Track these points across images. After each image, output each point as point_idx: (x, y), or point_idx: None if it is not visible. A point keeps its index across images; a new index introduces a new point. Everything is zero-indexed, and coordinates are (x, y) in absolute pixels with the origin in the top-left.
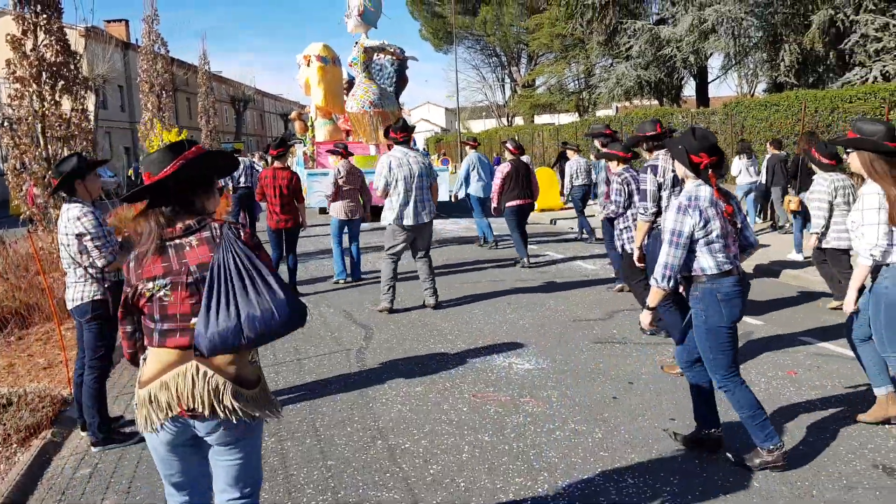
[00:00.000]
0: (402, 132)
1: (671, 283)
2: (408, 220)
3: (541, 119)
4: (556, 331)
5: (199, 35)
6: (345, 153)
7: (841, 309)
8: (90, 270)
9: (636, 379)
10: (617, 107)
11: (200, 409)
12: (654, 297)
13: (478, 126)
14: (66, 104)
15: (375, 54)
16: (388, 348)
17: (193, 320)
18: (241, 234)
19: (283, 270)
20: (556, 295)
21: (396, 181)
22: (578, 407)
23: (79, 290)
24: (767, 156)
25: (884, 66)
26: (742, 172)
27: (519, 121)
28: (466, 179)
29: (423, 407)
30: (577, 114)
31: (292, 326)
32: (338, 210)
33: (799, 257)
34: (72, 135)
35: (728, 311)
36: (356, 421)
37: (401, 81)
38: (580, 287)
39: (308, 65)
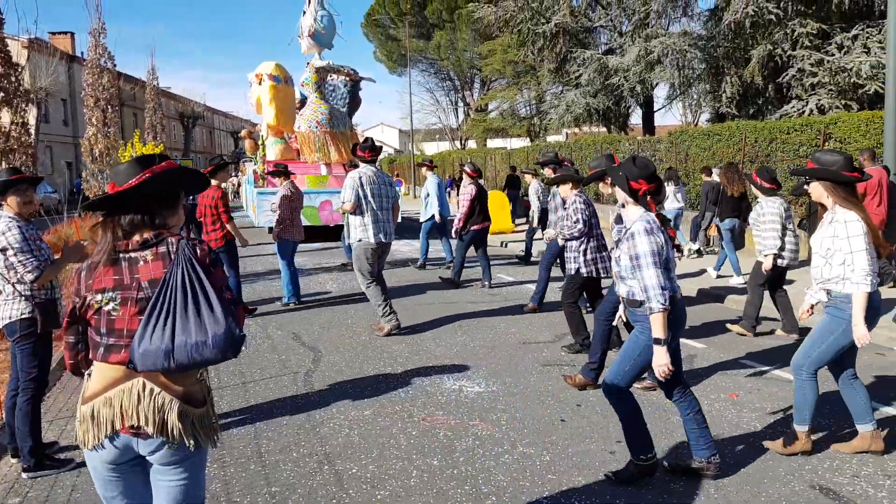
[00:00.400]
0: (370, 151)
1: (668, 304)
2: (380, 237)
3: (493, 143)
4: (506, 353)
5: (148, 49)
6: (286, 173)
7: (782, 335)
8: (18, 287)
9: (584, 401)
10: (567, 133)
11: (145, 427)
12: (660, 325)
13: (431, 148)
14: (6, 117)
15: (329, 75)
16: (337, 371)
17: None
18: (198, 251)
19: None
20: (507, 318)
21: (368, 198)
22: (527, 430)
23: (7, 309)
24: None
25: (819, 100)
26: (669, 198)
27: (472, 144)
28: (440, 200)
29: (371, 431)
30: (528, 139)
31: (223, 358)
32: (291, 231)
33: (740, 280)
34: (10, 148)
35: (674, 333)
36: (302, 446)
37: (353, 102)
38: (533, 309)
39: (260, 83)
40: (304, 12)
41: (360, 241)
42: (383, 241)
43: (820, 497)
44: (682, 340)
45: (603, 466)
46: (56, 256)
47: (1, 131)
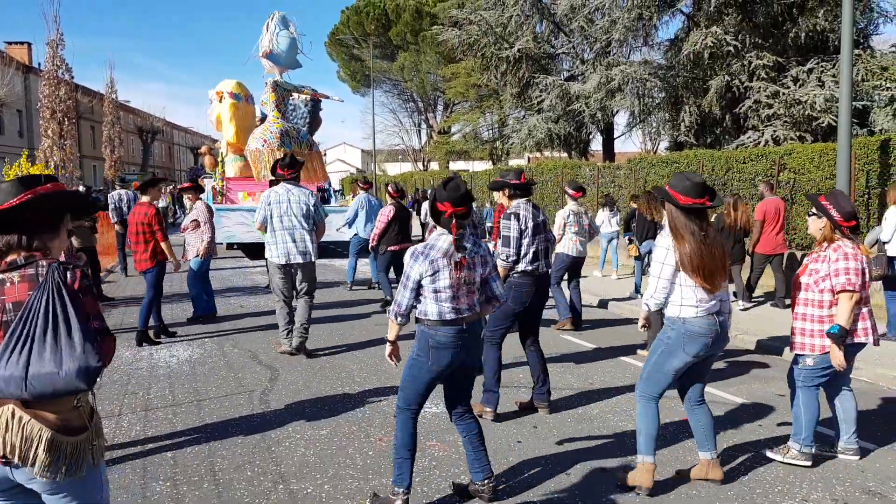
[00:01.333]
0: (288, 168)
1: (400, 319)
2: (280, 259)
3: (456, 165)
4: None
5: (106, 62)
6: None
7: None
8: None
9: (541, 423)
10: (528, 157)
11: (10, 457)
12: (392, 331)
13: (394, 169)
14: None
15: (290, 94)
16: (294, 390)
17: None
18: (69, 276)
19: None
20: None
21: (272, 217)
22: None
23: None
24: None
25: (774, 131)
26: (604, 223)
27: (434, 166)
28: (366, 218)
29: (327, 451)
30: (490, 162)
31: (75, 390)
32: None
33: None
34: None
35: (436, 357)
36: (257, 465)
37: (314, 121)
38: None
39: (220, 101)
40: (264, 32)
41: (267, 259)
42: (284, 262)
43: None
44: (627, 360)
45: (557, 489)
46: None
47: None
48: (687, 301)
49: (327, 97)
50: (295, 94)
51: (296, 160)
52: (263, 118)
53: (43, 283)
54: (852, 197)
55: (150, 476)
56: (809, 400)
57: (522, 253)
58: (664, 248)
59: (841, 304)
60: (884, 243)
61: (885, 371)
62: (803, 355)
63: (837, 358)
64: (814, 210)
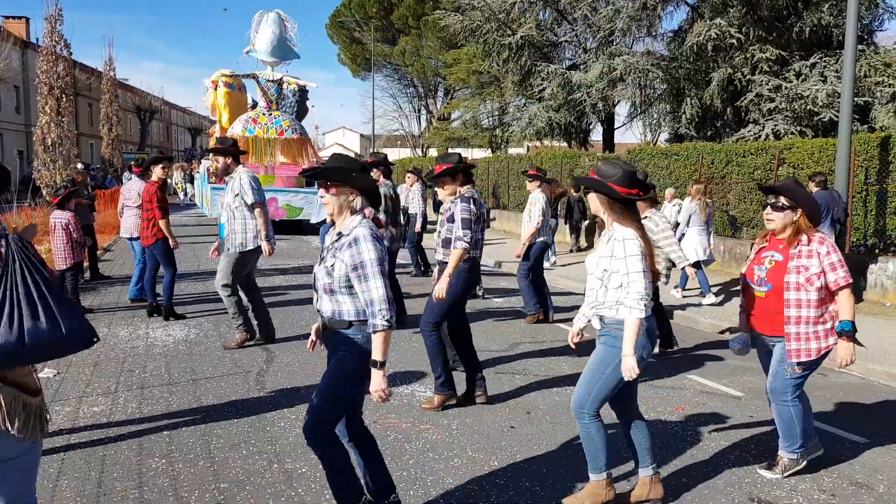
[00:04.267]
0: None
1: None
2: (253, 244)
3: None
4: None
5: (105, 39)
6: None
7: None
8: None
9: (534, 409)
10: (528, 146)
11: None
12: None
13: (392, 154)
14: None
15: (275, 84)
16: (290, 372)
17: None
18: (28, 246)
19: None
20: None
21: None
22: (477, 435)
23: None
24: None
25: (775, 125)
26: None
27: (433, 152)
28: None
29: None
30: (490, 150)
31: (76, 349)
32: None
33: None
34: None
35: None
36: (252, 444)
37: (301, 109)
38: (485, 319)
39: (215, 89)
40: (252, 33)
41: (234, 248)
42: (254, 247)
43: None
44: None
45: (551, 472)
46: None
47: None
48: (647, 296)
49: (303, 84)
50: (284, 85)
51: (230, 144)
52: (254, 105)
53: (10, 253)
54: (850, 193)
55: (147, 453)
56: (806, 409)
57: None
58: (634, 240)
59: (846, 298)
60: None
61: (875, 366)
62: (797, 363)
63: (850, 356)
64: (784, 202)
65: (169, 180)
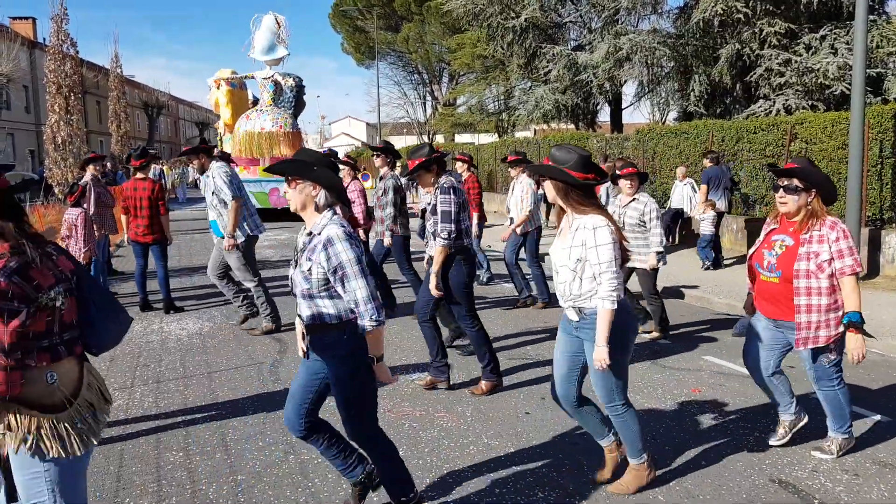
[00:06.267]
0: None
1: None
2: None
3: (461, 138)
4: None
5: (111, 37)
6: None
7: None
8: None
9: (548, 394)
10: (535, 129)
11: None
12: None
13: (399, 142)
14: None
15: (271, 81)
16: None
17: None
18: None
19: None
20: None
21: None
22: (492, 422)
23: None
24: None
25: (786, 100)
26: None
27: (440, 139)
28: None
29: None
30: (496, 134)
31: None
32: None
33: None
34: None
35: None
36: (268, 435)
37: (298, 104)
38: (498, 306)
39: (218, 87)
40: (253, 34)
41: (238, 238)
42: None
43: (779, 490)
44: (645, 335)
45: (567, 458)
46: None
47: None
48: (619, 285)
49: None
50: (282, 82)
51: (204, 144)
52: (255, 102)
53: (69, 254)
54: (865, 167)
55: (164, 446)
56: (846, 390)
57: (458, 228)
58: (605, 227)
59: (853, 288)
60: None
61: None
62: (823, 350)
63: (861, 350)
64: (798, 184)
65: (167, 177)
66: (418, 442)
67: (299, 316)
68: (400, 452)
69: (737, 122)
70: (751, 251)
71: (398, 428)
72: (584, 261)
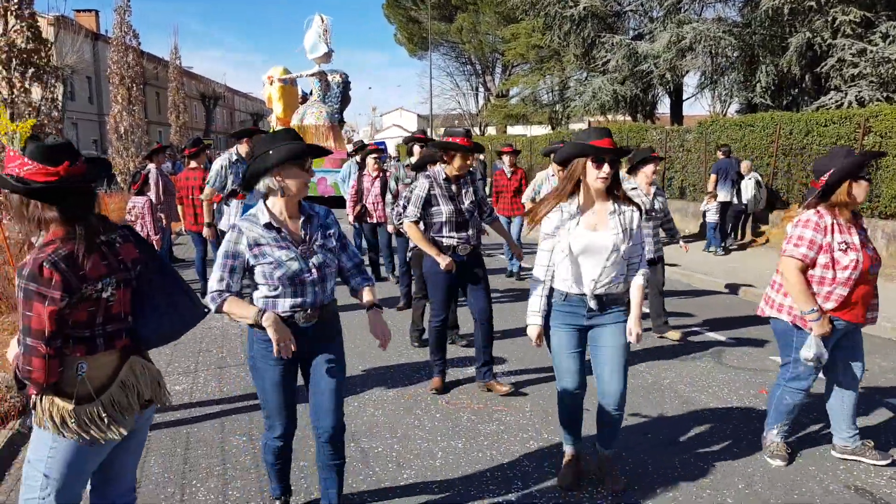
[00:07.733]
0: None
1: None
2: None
3: (514, 130)
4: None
5: (170, 28)
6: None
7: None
8: None
9: None
10: (590, 121)
11: (148, 398)
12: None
13: None
14: (36, 92)
15: (317, 78)
16: (360, 353)
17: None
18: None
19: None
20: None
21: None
22: (552, 417)
23: None
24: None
25: (859, 92)
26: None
27: (492, 130)
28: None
29: (395, 412)
30: (549, 126)
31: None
32: None
33: None
34: (41, 123)
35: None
36: None
37: (344, 100)
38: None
39: (271, 84)
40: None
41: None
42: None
43: (855, 497)
44: (709, 334)
45: (631, 455)
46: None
47: (31, 106)
48: None
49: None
50: (329, 78)
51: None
52: (304, 97)
53: (142, 241)
54: None
55: (228, 430)
56: None
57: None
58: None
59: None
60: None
61: None
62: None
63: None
64: (867, 173)
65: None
66: (477, 435)
67: (301, 309)
68: (458, 445)
69: (806, 114)
70: (854, 258)
71: (456, 420)
72: (629, 243)
